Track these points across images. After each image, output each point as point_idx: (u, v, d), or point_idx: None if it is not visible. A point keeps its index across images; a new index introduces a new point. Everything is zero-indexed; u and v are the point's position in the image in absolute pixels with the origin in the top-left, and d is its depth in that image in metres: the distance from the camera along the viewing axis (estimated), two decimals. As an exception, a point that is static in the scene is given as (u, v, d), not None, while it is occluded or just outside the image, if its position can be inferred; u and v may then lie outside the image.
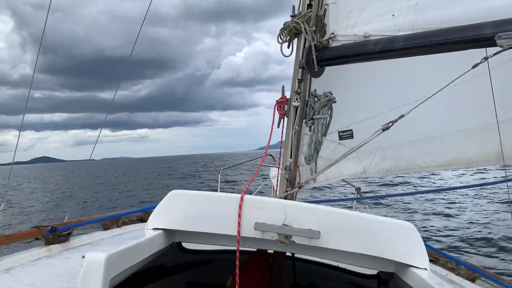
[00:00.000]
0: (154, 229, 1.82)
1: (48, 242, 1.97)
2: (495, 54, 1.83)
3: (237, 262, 1.78)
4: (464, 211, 11.67)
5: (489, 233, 8.98)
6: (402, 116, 2.09)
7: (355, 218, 1.72)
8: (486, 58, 1.84)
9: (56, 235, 1.98)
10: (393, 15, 2.18)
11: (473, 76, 2.73)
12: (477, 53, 1.90)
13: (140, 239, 1.64)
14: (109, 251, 1.37)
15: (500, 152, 3.22)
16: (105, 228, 2.39)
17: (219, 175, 4.10)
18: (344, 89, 3.48)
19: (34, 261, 1.82)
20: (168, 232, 1.86)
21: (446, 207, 12.35)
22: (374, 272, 2.60)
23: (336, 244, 1.70)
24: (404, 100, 3.58)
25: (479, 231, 9.22)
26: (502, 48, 1.81)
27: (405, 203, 12.59)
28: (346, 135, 3.61)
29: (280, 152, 2.74)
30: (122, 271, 1.45)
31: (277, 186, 2.56)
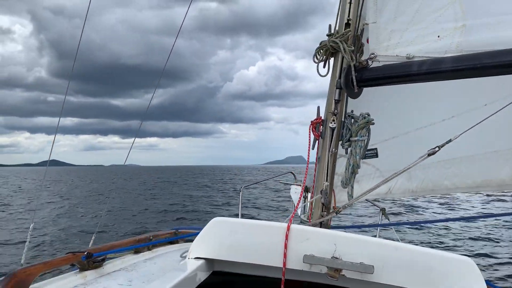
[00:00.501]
0: (196, 258, 1.73)
1: (83, 268, 1.89)
2: None
3: None
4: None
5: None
6: (449, 141, 2.01)
7: (411, 252, 1.63)
8: None
9: (91, 261, 1.90)
10: (438, 36, 2.11)
11: (504, 96, 2.67)
12: None
13: (186, 272, 1.55)
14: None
15: None
16: (136, 251, 2.31)
17: (241, 193, 4.01)
18: (373, 108, 3.41)
19: None
20: (209, 261, 1.77)
21: (479, 232, 11.86)
22: None
23: (391, 280, 1.60)
24: (430, 120, 3.51)
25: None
26: None
27: (429, 227, 12.12)
28: (370, 154, 3.53)
29: (306, 172, 2.64)
30: None
31: (309, 210, 2.46)
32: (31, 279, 1.64)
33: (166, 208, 19.66)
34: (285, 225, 1.70)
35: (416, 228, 11.62)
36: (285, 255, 1.65)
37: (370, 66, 2.29)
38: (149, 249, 2.40)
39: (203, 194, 28.45)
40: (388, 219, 3.73)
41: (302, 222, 2.63)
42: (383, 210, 3.66)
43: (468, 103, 3.24)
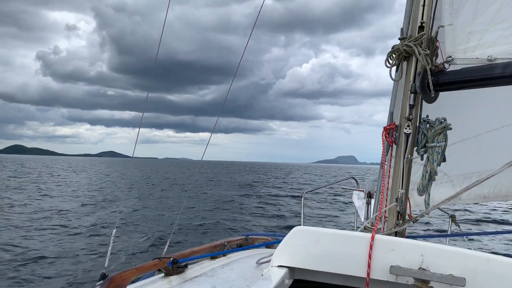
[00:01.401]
0: (279, 266, 1.75)
1: (168, 273, 1.98)
2: None
3: None
4: None
5: None
6: None
7: (507, 265, 1.55)
8: None
9: (175, 266, 1.99)
10: None
11: None
12: None
13: (274, 281, 1.57)
14: None
15: None
16: (213, 257, 2.40)
17: (302, 199, 4.01)
18: (441, 109, 3.29)
19: None
20: (291, 269, 1.79)
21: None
22: None
23: None
24: (503, 121, 3.34)
25: None
26: None
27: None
28: None
29: (379, 179, 2.59)
30: None
31: (383, 219, 2.41)
32: (126, 283, 1.74)
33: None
34: (369, 235, 1.68)
35: (490, 238, 10.94)
36: (369, 265, 1.63)
37: (447, 70, 2.22)
38: (224, 255, 2.47)
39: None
40: (459, 227, 3.58)
41: (365, 229, 2.59)
42: (452, 217, 3.52)
43: None
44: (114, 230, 2.43)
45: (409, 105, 2.31)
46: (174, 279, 1.97)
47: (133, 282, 1.88)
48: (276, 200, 24.31)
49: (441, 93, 3.10)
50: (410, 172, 2.35)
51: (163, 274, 1.99)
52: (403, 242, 1.68)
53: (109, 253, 2.37)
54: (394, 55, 2.35)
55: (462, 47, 2.18)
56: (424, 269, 1.58)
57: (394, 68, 2.39)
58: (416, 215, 2.30)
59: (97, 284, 1.80)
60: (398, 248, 1.64)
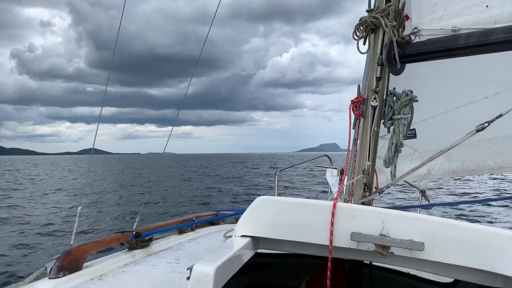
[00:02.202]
0: (242, 236, 1.74)
1: (132, 247, 1.95)
2: None
3: (328, 273, 1.67)
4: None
5: None
6: (500, 115, 1.93)
7: (465, 229, 1.58)
8: None
9: (139, 240, 1.96)
10: (487, 6, 2.01)
11: None
12: None
13: (233, 249, 1.56)
14: (214, 263, 1.30)
15: None
16: (180, 232, 2.37)
17: (276, 176, 4.01)
18: (411, 86, 3.32)
19: (122, 267, 1.80)
20: (254, 239, 1.78)
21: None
22: (450, 280, 2.45)
23: (442, 257, 1.56)
24: (471, 98, 3.38)
25: None
26: None
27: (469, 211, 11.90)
28: (409, 134, 3.46)
29: (348, 154, 2.61)
30: (224, 284, 1.38)
31: (351, 192, 2.43)
32: (86, 257, 1.71)
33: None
34: (331, 203, 1.68)
35: (458, 210, 11.34)
36: (331, 233, 1.64)
37: (413, 41, 2.22)
38: (192, 230, 2.45)
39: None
40: (429, 201, 3.65)
41: None
42: (423, 192, 3.58)
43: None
44: (80, 208, 2.38)
45: (376, 77, 2.31)
46: (138, 253, 1.94)
47: (96, 257, 1.85)
48: (257, 188, 24.56)
49: (411, 70, 3.11)
50: (377, 144, 2.37)
51: (126, 249, 1.96)
52: (365, 209, 1.69)
53: (75, 230, 2.33)
54: (361, 28, 2.34)
55: (428, 18, 2.18)
56: (384, 235, 1.59)
57: (362, 41, 2.39)
58: (382, 188, 2.33)
59: (54, 257, 1.75)
60: (359, 215, 1.65)
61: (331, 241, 1.64)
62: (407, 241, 1.55)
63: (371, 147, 2.33)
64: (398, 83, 2.54)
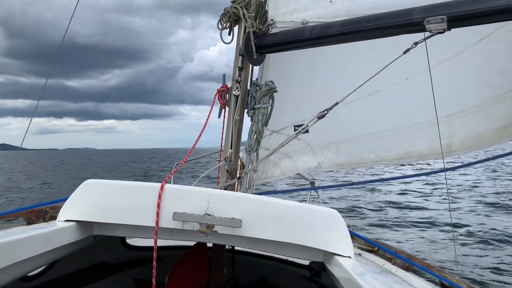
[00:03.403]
0: (66, 221, 1.69)
1: None
2: (425, 39, 1.81)
3: (154, 254, 1.67)
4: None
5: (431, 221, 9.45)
6: (336, 103, 2.05)
7: (279, 206, 1.66)
8: (416, 43, 1.81)
9: None
10: (330, 1, 2.14)
11: (424, 70, 2.73)
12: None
13: (46, 229, 1.53)
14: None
15: (450, 145, 3.24)
16: (29, 223, 2.24)
17: (173, 170, 3.96)
18: (298, 82, 3.44)
19: None
20: (84, 224, 1.74)
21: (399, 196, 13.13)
22: (307, 262, 2.56)
23: (259, 233, 1.63)
24: (357, 95, 3.57)
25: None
26: (431, 33, 1.79)
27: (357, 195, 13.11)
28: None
29: (221, 143, 2.65)
30: (19, 262, 1.34)
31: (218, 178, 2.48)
32: None
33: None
34: (158, 184, 1.69)
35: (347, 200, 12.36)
36: (157, 214, 1.64)
37: (270, 33, 2.31)
38: (45, 221, 2.32)
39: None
40: (317, 192, 3.80)
41: None
42: (312, 183, 3.73)
43: (391, 77, 3.31)
44: None
45: (238, 67, 2.37)
46: None
47: None
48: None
49: (292, 64, 3.22)
50: (240, 133, 2.43)
51: None
52: (191, 190, 1.72)
53: None
54: (225, 18, 2.40)
55: (283, 11, 2.28)
56: (209, 214, 1.63)
57: (226, 31, 2.44)
58: (243, 174, 2.39)
59: None
60: (186, 196, 1.68)
61: (157, 223, 1.64)
62: (227, 219, 1.60)
63: (234, 135, 2.38)
64: (283, 81, 2.62)
